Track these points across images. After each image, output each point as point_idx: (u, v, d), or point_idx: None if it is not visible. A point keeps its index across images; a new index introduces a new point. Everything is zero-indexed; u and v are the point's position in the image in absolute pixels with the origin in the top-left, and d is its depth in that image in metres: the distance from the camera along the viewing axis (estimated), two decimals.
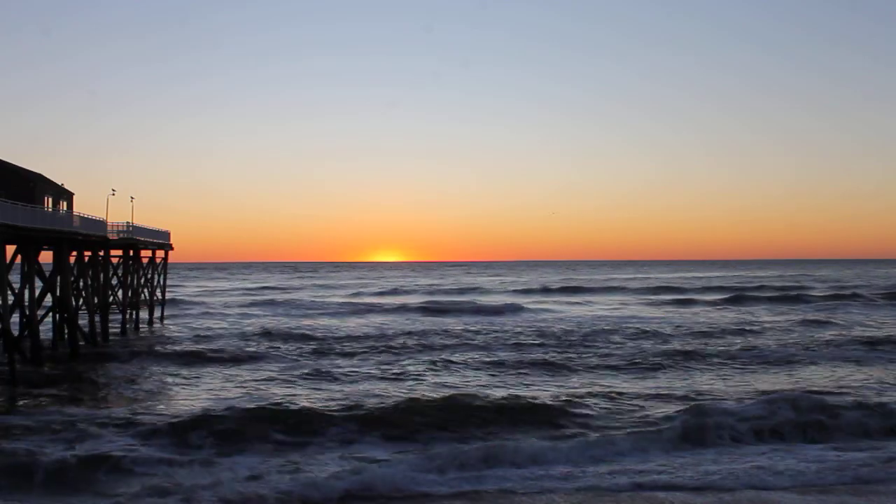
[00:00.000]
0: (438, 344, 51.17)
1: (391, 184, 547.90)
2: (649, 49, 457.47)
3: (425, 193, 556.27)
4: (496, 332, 58.82)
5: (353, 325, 67.56)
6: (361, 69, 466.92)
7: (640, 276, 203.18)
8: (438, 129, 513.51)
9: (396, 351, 48.07)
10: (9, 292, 36.44)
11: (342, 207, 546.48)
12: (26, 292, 40.90)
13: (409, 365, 41.85)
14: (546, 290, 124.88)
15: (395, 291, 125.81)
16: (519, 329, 60.92)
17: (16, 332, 38.49)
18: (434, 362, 42.44)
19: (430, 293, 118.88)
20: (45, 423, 25.90)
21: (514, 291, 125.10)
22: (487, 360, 43.17)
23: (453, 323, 67.08)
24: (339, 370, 39.83)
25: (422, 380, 36.81)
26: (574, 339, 53.73)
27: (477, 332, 58.00)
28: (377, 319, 72.98)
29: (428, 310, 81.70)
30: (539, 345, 50.20)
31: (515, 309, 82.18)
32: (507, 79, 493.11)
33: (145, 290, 64.70)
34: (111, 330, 51.53)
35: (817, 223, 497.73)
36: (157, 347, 48.96)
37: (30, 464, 20.79)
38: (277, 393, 33.03)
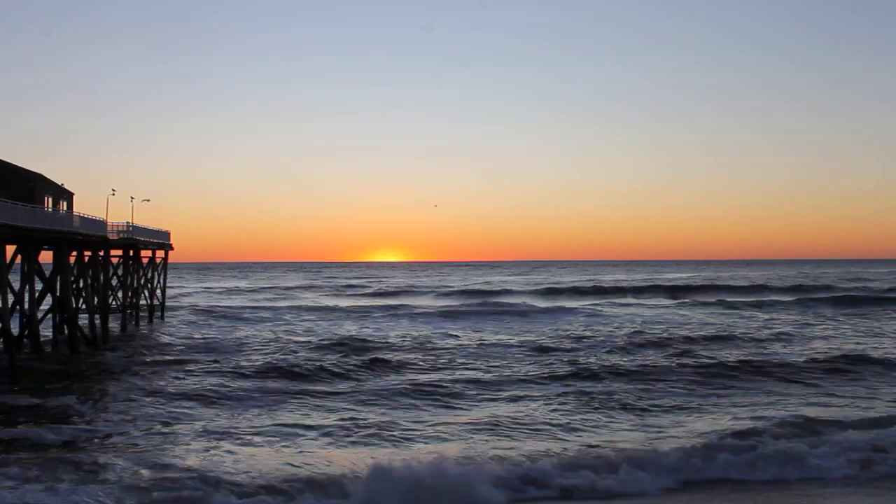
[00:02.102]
0: (563, 356, 48.48)
1: (391, 184, 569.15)
2: (649, 49, 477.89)
3: (425, 193, 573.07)
4: (587, 335, 60.59)
5: (408, 331, 66.02)
6: (361, 69, 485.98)
7: (658, 275, 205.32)
8: (438, 129, 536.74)
9: (523, 364, 45.54)
10: (9, 292, 40.83)
11: (342, 207, 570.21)
12: (26, 292, 45.56)
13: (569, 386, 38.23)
14: (580, 291, 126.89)
15: (418, 292, 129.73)
16: (610, 332, 62.88)
17: (16, 333, 42.93)
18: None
19: (463, 295, 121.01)
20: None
21: (544, 292, 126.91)
22: (633, 368, 42.79)
23: (535, 327, 68.43)
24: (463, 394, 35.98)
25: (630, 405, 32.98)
26: (685, 341, 55.36)
27: (567, 337, 59.44)
28: (431, 325, 71.79)
29: (484, 313, 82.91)
30: (654, 350, 51.22)
31: (570, 311, 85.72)
32: (507, 79, 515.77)
33: (145, 291, 70.07)
34: (111, 330, 56.27)
35: (817, 223, 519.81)
36: (160, 351, 52.67)
37: None
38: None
